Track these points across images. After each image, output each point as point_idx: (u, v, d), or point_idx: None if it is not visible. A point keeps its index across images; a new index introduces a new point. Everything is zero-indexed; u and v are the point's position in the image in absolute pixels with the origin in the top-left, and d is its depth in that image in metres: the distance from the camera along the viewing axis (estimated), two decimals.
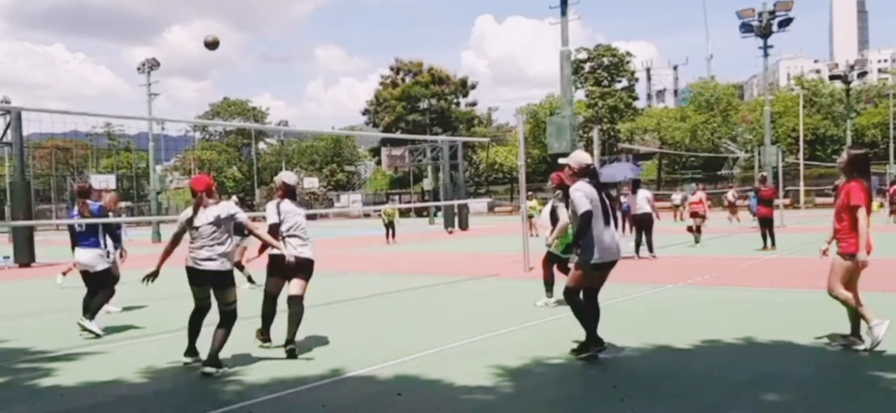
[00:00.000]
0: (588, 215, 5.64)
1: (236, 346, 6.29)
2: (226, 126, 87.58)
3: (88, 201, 8.19)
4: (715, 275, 11.62)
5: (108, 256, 8.09)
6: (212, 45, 9.48)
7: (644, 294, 9.68)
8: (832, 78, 48.10)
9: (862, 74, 48.40)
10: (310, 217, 7.37)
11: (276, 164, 72.45)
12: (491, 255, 17.62)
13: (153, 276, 5.95)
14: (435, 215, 42.73)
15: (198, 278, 5.90)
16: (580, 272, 5.83)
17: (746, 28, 30.07)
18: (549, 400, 4.90)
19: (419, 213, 53.91)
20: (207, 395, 5.22)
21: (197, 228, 5.86)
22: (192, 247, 5.89)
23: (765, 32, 29.31)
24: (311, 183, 66.94)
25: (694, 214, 18.10)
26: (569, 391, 5.15)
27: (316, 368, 5.84)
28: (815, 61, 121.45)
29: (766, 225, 16.17)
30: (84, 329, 7.62)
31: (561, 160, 6.37)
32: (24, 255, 19.18)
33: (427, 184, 50.72)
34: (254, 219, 7.12)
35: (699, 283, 10.72)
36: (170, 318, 8.54)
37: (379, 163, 66.12)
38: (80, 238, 7.99)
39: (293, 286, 6.40)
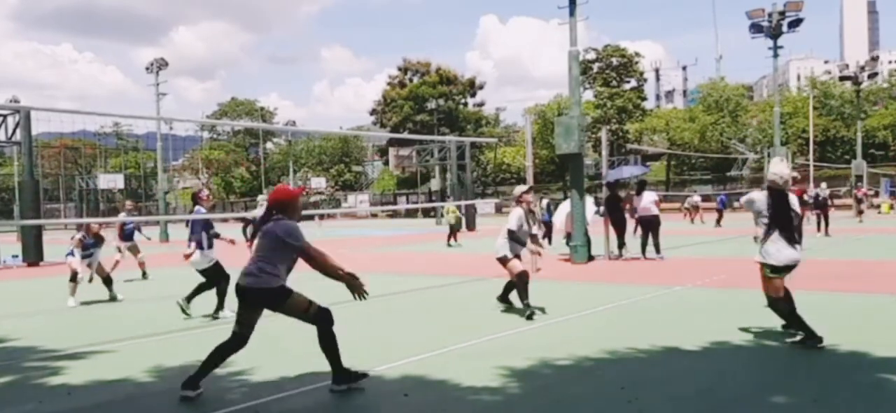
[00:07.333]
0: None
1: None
2: (234, 126, 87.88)
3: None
4: (723, 277, 11.56)
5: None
6: None
7: (651, 295, 9.63)
8: (843, 79, 47.75)
9: (872, 75, 47.97)
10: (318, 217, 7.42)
11: (283, 164, 72.64)
12: None
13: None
14: (442, 216, 42.68)
15: None
16: None
17: (756, 28, 29.88)
18: (557, 401, 4.87)
19: (426, 213, 53.90)
20: (214, 394, 5.21)
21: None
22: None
23: (775, 33, 29.12)
24: (319, 183, 67.18)
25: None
26: (577, 392, 5.11)
27: (323, 368, 5.81)
28: (826, 62, 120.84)
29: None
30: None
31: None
32: (33, 254, 19.28)
33: (434, 184, 50.69)
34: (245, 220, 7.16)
35: (707, 284, 10.67)
36: (177, 317, 8.56)
37: (386, 163, 66.16)
38: None
39: None
